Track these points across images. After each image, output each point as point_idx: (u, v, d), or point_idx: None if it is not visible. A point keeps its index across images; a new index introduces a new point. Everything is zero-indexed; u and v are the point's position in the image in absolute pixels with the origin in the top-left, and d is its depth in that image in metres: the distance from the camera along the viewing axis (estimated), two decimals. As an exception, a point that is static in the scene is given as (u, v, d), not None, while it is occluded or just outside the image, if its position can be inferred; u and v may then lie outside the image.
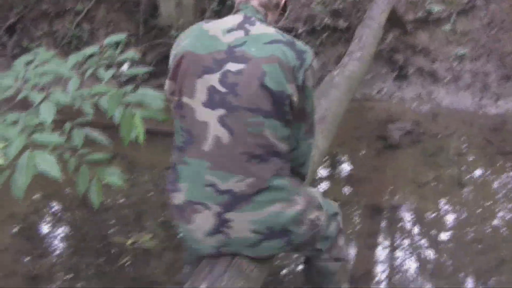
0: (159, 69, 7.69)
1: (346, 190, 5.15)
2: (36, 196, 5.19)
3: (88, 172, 2.36)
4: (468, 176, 5.34)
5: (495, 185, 5.30)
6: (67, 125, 2.46)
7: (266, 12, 2.48)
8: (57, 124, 2.40)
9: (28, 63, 2.55)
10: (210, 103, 2.27)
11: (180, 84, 2.34)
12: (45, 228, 4.92)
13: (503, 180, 5.32)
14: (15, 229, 4.80)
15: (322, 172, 5.40)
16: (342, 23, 7.34)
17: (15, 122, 2.23)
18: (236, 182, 2.28)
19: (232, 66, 2.27)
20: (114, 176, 2.37)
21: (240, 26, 2.36)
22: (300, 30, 7.43)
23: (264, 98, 2.24)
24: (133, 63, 7.16)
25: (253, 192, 2.30)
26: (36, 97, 2.23)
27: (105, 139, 2.41)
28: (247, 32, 2.33)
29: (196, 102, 2.30)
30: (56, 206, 5.19)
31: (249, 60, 2.26)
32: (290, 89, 2.27)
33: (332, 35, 7.41)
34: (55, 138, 2.16)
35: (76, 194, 2.36)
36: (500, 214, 4.75)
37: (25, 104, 2.31)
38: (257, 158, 2.28)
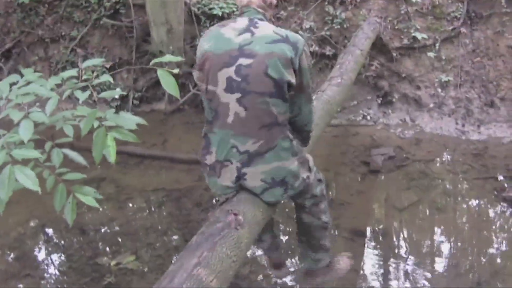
0: (150, 94, 7.87)
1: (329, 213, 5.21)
2: (26, 218, 5.28)
3: (65, 190, 2.46)
4: (448, 201, 5.43)
5: (475, 209, 5.39)
6: (48, 145, 2.56)
7: (264, 12, 3.23)
8: (41, 143, 2.51)
9: (13, 84, 2.67)
10: (229, 89, 3.04)
11: (206, 76, 3.11)
12: (33, 249, 5.00)
13: (483, 204, 5.41)
14: (4, 249, 4.88)
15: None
16: (329, 50, 7.45)
17: (-5, 140, 2.32)
18: (251, 144, 3.09)
19: (243, 61, 3.02)
20: (89, 195, 2.48)
21: (247, 29, 3.10)
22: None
23: (268, 84, 3.02)
24: (126, 87, 7.31)
25: (263, 151, 3.10)
26: (16, 115, 2.33)
27: (83, 160, 2.52)
28: (252, 34, 3.08)
29: (219, 89, 3.07)
30: (45, 228, 5.27)
31: (255, 56, 3.01)
32: (288, 74, 3.04)
33: (319, 62, 7.52)
34: (33, 153, 2.26)
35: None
36: (479, 238, 4.82)
37: (11, 122, 2.42)
38: (265, 127, 3.08)
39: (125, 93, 7.73)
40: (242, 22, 3.15)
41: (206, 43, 3.14)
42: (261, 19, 3.16)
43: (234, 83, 3.03)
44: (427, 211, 5.22)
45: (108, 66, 7.76)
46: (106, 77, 2.50)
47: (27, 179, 2.16)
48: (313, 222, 3.64)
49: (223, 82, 3.05)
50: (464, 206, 5.48)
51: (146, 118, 2.63)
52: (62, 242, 5.11)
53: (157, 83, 7.81)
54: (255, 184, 3.17)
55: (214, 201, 5.43)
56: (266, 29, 3.10)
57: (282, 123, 3.14)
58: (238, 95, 3.03)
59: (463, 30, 7.34)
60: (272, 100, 3.05)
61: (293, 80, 3.07)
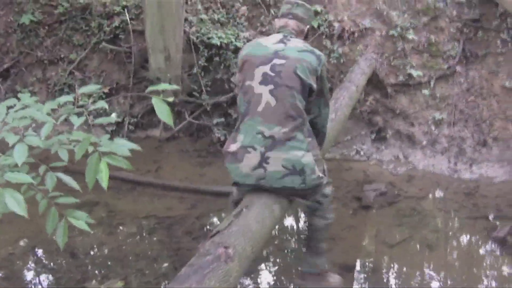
0: (146, 120, 7.89)
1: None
2: (16, 237, 5.26)
3: (57, 214, 2.48)
4: (439, 239, 5.43)
5: (466, 248, 5.40)
6: (42, 168, 2.58)
7: (296, 34, 4.02)
8: (36, 166, 2.53)
9: (10, 107, 2.70)
10: (264, 82, 3.72)
11: (244, 74, 3.82)
12: (22, 269, 4.98)
13: (474, 243, 5.42)
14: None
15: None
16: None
17: (-10, 162, 2.35)
18: (277, 130, 3.65)
19: (277, 61, 3.75)
20: (81, 219, 2.50)
21: (281, 41, 3.89)
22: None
23: (297, 81, 3.71)
24: (122, 112, 7.34)
25: (286, 138, 3.66)
26: (12, 139, 2.35)
27: (76, 184, 2.54)
28: (285, 44, 3.85)
29: (255, 82, 3.75)
30: (36, 250, 5.26)
31: (288, 58, 3.75)
32: (311, 80, 3.77)
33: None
34: (25, 177, 2.28)
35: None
36: (469, 277, 4.83)
37: (7, 146, 2.44)
38: (290, 117, 3.68)
39: (120, 120, 7.75)
40: (277, 36, 3.97)
41: (245, 50, 3.94)
42: (292, 36, 3.96)
43: (268, 77, 3.72)
44: (418, 248, 5.21)
45: (106, 90, 7.81)
46: (102, 104, 2.54)
47: (16, 203, 2.18)
48: (320, 224, 4.15)
49: (259, 77, 3.74)
50: (455, 244, 5.49)
51: (141, 145, 2.66)
52: (52, 264, 5.10)
53: (153, 109, 7.73)
54: (276, 168, 3.66)
55: (205, 229, 5.44)
56: (296, 42, 3.91)
57: (303, 117, 3.76)
58: (271, 86, 3.70)
59: (458, 69, 7.39)
60: (298, 95, 3.72)
61: (314, 85, 3.80)
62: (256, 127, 3.68)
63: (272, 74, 3.71)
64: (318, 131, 4.04)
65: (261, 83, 3.72)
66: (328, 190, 4.09)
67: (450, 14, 7.74)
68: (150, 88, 2.49)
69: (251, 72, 3.76)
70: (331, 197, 4.17)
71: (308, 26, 4.17)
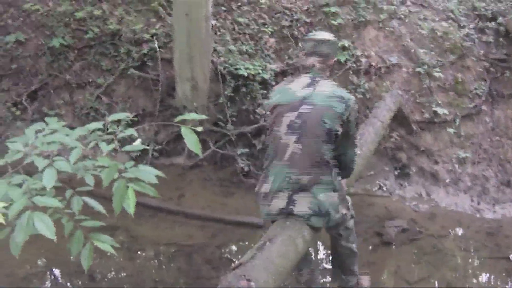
0: (170, 147, 7.93)
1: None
2: (36, 258, 5.30)
3: (82, 237, 2.51)
4: (459, 278, 5.38)
5: (485, 288, 5.36)
6: (68, 192, 2.62)
7: (323, 71, 4.09)
8: (62, 189, 2.57)
9: (39, 131, 2.75)
10: (291, 130, 3.85)
11: (273, 120, 3.97)
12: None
13: (493, 284, 5.37)
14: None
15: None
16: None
17: (19, 184, 2.39)
18: (302, 178, 3.81)
19: (304, 109, 3.84)
20: (106, 242, 2.53)
21: (309, 85, 3.95)
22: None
23: (323, 129, 3.81)
24: (147, 138, 7.40)
25: (311, 184, 3.82)
26: (41, 163, 2.40)
27: (103, 208, 2.58)
28: (313, 89, 3.92)
29: (282, 129, 3.88)
30: (55, 271, 5.29)
31: (315, 106, 3.84)
32: (337, 127, 3.84)
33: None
34: (53, 201, 2.32)
35: (77, 261, 2.51)
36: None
37: (33, 168, 2.48)
38: (316, 164, 3.82)
39: (146, 146, 7.77)
40: (305, 79, 4.03)
41: (274, 96, 4.07)
42: (321, 77, 4.03)
43: (296, 125, 3.84)
44: (437, 287, 5.17)
45: (132, 117, 7.87)
46: (131, 131, 2.59)
47: (45, 227, 2.22)
48: (345, 251, 4.46)
49: (286, 125, 3.87)
50: (475, 283, 5.43)
51: (165, 172, 2.70)
52: (70, 285, 5.12)
53: (178, 137, 7.94)
54: (302, 210, 3.83)
55: (225, 259, 5.44)
56: (325, 86, 3.96)
57: (328, 162, 3.88)
58: (297, 134, 3.83)
59: (484, 108, 7.40)
60: (323, 142, 3.83)
61: (340, 131, 3.87)
62: (284, 173, 3.86)
63: (299, 122, 3.84)
64: (344, 166, 4.12)
65: (288, 130, 3.86)
66: (351, 224, 4.35)
67: (477, 53, 7.77)
68: (179, 118, 2.53)
69: (279, 119, 3.91)
70: (353, 231, 4.44)
71: (334, 58, 4.23)
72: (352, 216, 4.34)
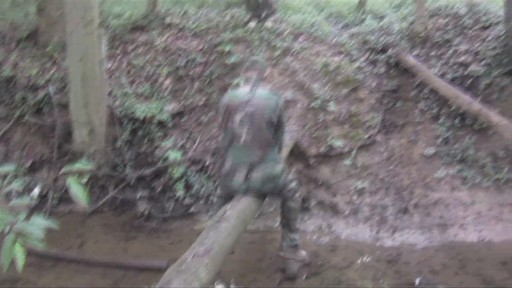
0: (69, 194, 7.75)
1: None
2: None
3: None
4: (361, 308, 5.47)
5: (387, 317, 5.45)
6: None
7: (260, 81, 5.48)
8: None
9: None
10: (241, 124, 5.23)
11: (226, 118, 5.34)
12: None
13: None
14: None
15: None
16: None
17: None
18: (254, 157, 5.20)
19: (249, 108, 5.24)
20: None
21: (251, 91, 5.34)
22: (207, 162, 7.70)
23: (265, 121, 5.23)
24: (45, 186, 7.17)
25: (261, 161, 5.22)
26: None
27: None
28: (253, 94, 5.31)
29: (235, 124, 5.26)
30: None
31: (256, 106, 5.24)
32: (274, 118, 5.29)
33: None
34: None
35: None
36: None
37: None
38: (262, 146, 5.23)
39: (31, 201, 7.58)
40: (247, 87, 5.42)
41: (226, 100, 5.44)
42: (258, 85, 5.43)
43: (244, 120, 5.22)
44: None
45: (28, 165, 7.69)
46: (16, 185, 2.54)
47: None
48: (292, 208, 5.67)
49: (238, 120, 5.24)
50: (377, 314, 5.53)
51: (65, 219, 2.66)
52: None
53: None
54: (257, 181, 5.20)
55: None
56: (262, 91, 5.39)
57: (271, 143, 5.31)
58: (247, 126, 5.22)
59: (378, 138, 7.60)
60: (266, 130, 5.25)
61: (276, 120, 5.32)
62: (240, 153, 5.26)
63: (247, 117, 5.23)
64: (280, 144, 5.66)
65: (239, 124, 5.24)
66: (292, 185, 5.68)
67: (370, 85, 8.00)
68: (66, 168, 2.51)
69: (232, 116, 5.29)
70: (297, 190, 5.75)
71: (266, 72, 5.73)
72: (292, 180, 5.73)
